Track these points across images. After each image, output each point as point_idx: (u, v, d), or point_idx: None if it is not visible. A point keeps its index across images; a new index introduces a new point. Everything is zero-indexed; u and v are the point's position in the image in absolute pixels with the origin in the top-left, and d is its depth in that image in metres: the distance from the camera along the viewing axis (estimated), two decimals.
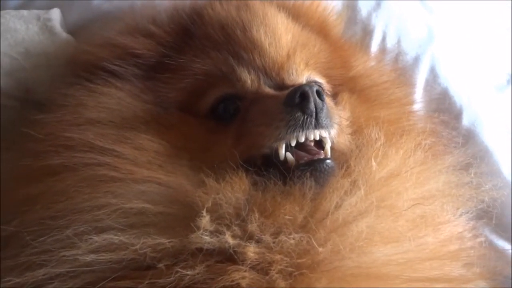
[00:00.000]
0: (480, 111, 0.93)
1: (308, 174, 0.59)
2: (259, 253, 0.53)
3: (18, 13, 0.78)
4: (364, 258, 0.56)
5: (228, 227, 0.55)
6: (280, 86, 0.68)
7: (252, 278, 0.52)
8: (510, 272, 0.81)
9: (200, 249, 0.54)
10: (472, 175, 0.70)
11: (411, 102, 0.86)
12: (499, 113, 0.96)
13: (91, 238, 0.54)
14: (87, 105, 0.67)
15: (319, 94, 0.61)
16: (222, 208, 0.56)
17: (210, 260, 0.53)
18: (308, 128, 0.61)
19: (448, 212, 0.67)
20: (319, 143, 0.63)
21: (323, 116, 0.61)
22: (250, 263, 0.53)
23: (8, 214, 0.61)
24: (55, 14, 0.80)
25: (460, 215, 0.70)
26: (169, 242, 0.54)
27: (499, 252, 0.82)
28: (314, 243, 0.54)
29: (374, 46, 0.93)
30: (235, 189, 0.58)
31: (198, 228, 0.54)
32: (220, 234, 0.54)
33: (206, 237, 0.53)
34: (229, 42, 0.71)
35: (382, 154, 0.64)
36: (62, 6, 0.83)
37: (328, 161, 0.61)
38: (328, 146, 0.63)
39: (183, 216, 0.56)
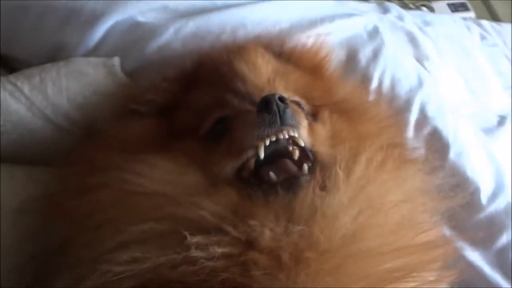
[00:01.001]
0: (465, 147, 1.07)
1: (286, 187, 0.69)
2: (274, 240, 0.62)
3: (87, 60, 0.97)
4: (357, 246, 0.64)
5: (214, 238, 0.62)
6: None
7: (267, 261, 0.61)
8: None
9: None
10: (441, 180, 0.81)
11: (391, 120, 0.97)
12: (483, 151, 1.09)
13: (119, 253, 0.63)
14: (117, 136, 0.84)
15: (282, 99, 0.72)
16: (206, 220, 0.64)
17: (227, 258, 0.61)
18: (274, 126, 0.71)
19: (424, 215, 0.76)
20: (300, 160, 0.74)
21: (287, 116, 0.72)
22: (264, 249, 0.62)
23: (57, 225, 0.74)
24: (117, 61, 0.99)
25: (435, 221, 0.79)
26: (177, 255, 0.61)
27: (469, 263, 0.94)
28: (315, 232, 0.63)
29: (372, 91, 1.09)
30: (219, 201, 0.67)
31: (189, 244, 0.62)
32: (207, 246, 0.61)
33: (198, 252, 0.61)
34: (220, 77, 0.85)
35: (351, 161, 0.74)
36: (122, 55, 1.02)
37: (305, 176, 0.71)
38: (309, 154, 0.75)
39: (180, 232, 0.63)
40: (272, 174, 0.71)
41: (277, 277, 0.60)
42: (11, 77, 0.92)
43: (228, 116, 0.80)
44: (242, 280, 0.60)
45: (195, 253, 0.61)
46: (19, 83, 0.91)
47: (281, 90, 0.82)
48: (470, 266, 0.96)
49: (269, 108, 0.71)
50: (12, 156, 0.91)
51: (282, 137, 0.72)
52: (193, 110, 0.85)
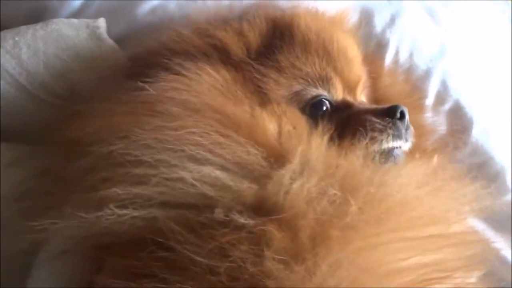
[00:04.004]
0: (490, 123, 0.94)
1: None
2: (300, 200, 0.54)
3: (69, 21, 0.83)
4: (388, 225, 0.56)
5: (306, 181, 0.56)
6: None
7: (282, 239, 0.52)
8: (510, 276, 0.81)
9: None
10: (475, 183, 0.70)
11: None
12: (509, 128, 0.96)
13: (199, 167, 0.56)
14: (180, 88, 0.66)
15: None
16: (309, 162, 0.58)
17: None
18: (402, 139, 0.72)
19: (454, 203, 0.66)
20: None
21: (409, 132, 0.73)
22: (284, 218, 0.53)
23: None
24: (102, 23, 0.84)
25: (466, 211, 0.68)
26: (251, 189, 0.55)
27: (503, 260, 0.82)
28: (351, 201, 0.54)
29: (388, 60, 0.95)
30: (323, 145, 0.62)
31: (280, 176, 0.56)
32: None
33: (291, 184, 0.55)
34: (325, 51, 0.77)
35: None
36: (109, 17, 0.87)
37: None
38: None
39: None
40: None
41: (294, 270, 0.50)
42: None
43: (327, 99, 0.75)
44: (254, 269, 0.51)
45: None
46: None
47: (361, 90, 0.82)
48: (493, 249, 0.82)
49: (403, 121, 0.72)
50: None
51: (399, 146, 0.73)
52: (290, 75, 0.74)
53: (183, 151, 0.57)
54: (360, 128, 0.70)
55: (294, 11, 0.83)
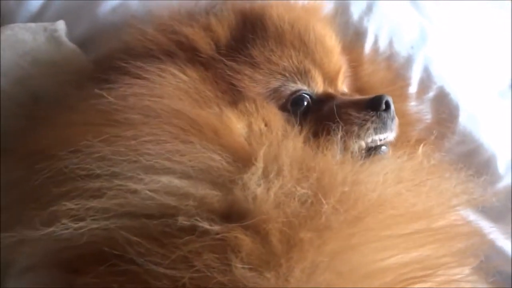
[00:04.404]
0: (477, 110, 0.91)
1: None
2: (269, 202, 0.51)
3: (25, 26, 0.79)
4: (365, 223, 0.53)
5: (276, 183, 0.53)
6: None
7: (251, 244, 0.49)
8: (510, 270, 0.78)
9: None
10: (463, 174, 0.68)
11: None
12: (498, 115, 0.93)
13: (157, 178, 0.53)
14: (141, 92, 0.62)
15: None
16: (275, 162, 0.55)
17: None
18: (387, 130, 0.68)
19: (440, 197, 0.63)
20: None
21: (394, 122, 0.69)
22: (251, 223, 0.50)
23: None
24: (61, 25, 0.80)
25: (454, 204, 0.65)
26: (215, 195, 0.52)
27: (499, 250, 0.79)
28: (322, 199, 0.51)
29: (367, 49, 0.91)
30: (295, 145, 0.58)
31: (246, 180, 0.53)
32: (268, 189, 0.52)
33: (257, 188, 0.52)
34: (302, 42, 0.73)
35: None
36: (70, 18, 0.83)
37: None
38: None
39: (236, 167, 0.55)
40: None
41: (265, 277, 0.47)
42: None
43: (308, 93, 0.71)
44: (222, 278, 0.47)
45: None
46: None
47: (342, 80, 0.78)
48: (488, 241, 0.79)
49: (389, 113, 0.69)
50: None
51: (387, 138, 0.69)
52: (266, 70, 0.70)
53: (138, 161, 0.54)
54: (339, 124, 0.66)
55: (264, 2, 0.78)
